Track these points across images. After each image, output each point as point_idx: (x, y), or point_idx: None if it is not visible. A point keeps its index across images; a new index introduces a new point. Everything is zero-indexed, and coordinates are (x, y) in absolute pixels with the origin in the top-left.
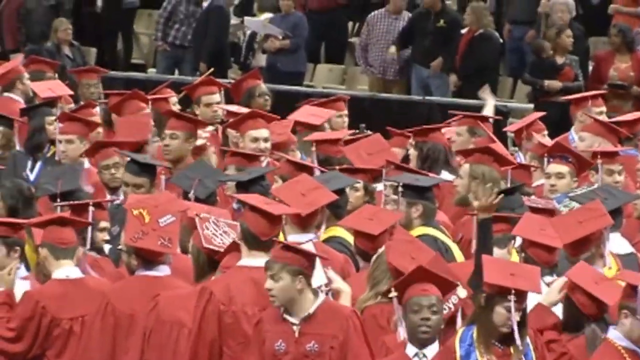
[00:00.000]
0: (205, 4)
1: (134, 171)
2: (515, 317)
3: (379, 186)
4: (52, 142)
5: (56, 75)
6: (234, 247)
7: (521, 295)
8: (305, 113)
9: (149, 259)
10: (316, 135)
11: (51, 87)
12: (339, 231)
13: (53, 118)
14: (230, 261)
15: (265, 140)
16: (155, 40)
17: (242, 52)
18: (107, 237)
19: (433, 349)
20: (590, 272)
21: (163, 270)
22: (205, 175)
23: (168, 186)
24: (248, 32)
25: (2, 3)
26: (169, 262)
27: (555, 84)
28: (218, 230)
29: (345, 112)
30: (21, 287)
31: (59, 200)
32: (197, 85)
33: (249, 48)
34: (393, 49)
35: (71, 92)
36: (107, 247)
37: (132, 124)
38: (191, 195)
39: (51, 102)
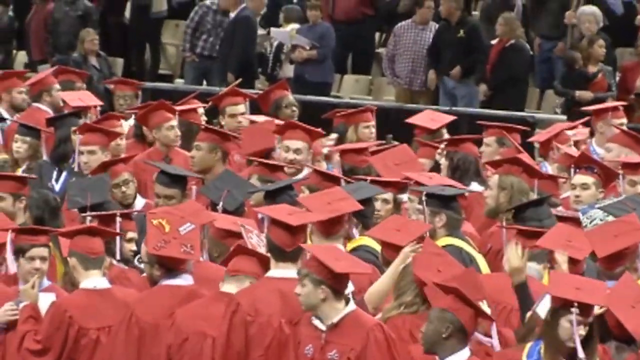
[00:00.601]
0: (232, 15)
1: (165, 182)
2: (581, 331)
3: (404, 197)
4: None
5: (84, 85)
6: (239, 251)
7: (586, 309)
8: (425, 117)
9: (172, 267)
10: (341, 146)
11: (81, 97)
12: (366, 240)
13: None
14: (235, 265)
15: (296, 151)
16: (183, 51)
17: (269, 63)
18: (135, 248)
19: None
20: (632, 291)
21: (186, 279)
22: (234, 186)
23: (198, 197)
24: (275, 43)
25: (29, 14)
26: (191, 270)
27: (587, 94)
28: (261, 242)
29: (373, 122)
30: (44, 299)
31: (88, 211)
32: (223, 96)
33: (276, 59)
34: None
35: (101, 103)
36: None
37: (256, 132)
38: (220, 207)
39: (78, 113)
